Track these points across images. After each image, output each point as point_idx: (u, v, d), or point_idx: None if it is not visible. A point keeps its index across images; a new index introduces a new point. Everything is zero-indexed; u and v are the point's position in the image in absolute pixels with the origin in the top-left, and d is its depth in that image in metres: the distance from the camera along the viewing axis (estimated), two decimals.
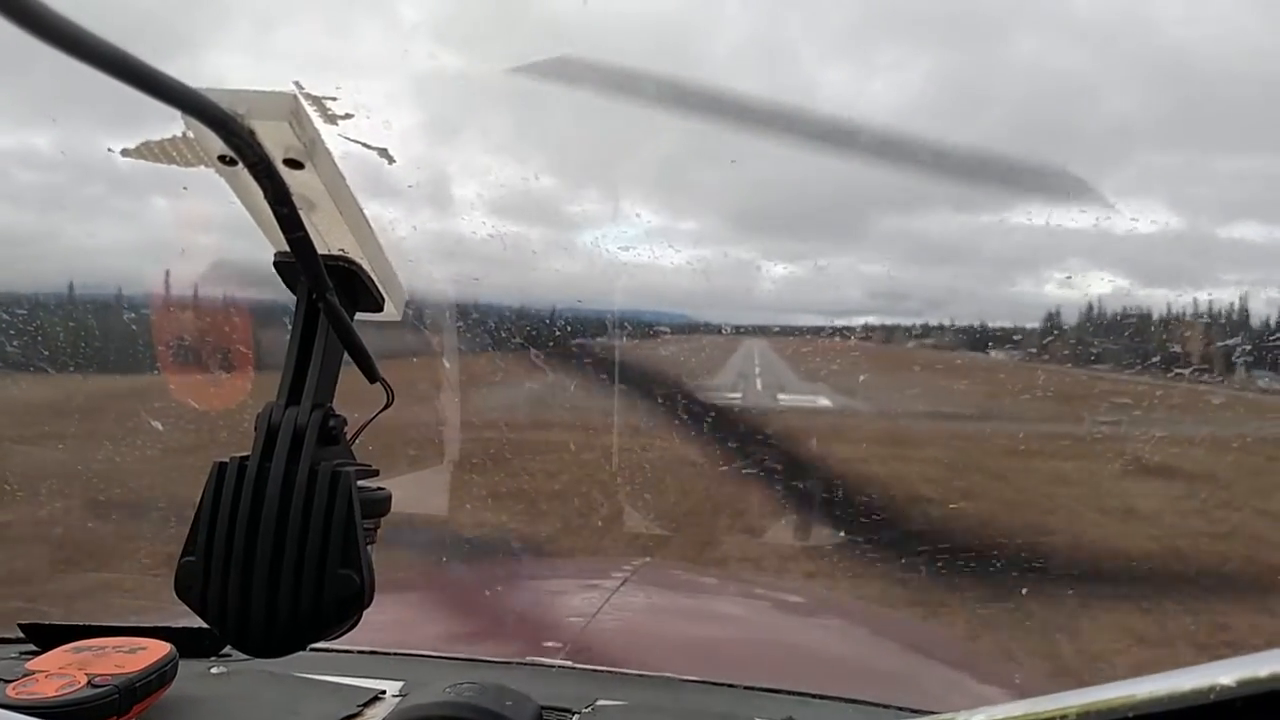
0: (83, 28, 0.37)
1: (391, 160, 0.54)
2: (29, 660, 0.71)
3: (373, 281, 0.57)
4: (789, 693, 0.92)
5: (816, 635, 1.47)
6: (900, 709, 0.89)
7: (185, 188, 0.77)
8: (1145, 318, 3.43)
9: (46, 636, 0.86)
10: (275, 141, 0.49)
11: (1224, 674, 0.34)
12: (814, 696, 0.91)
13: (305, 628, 0.53)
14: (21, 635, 0.90)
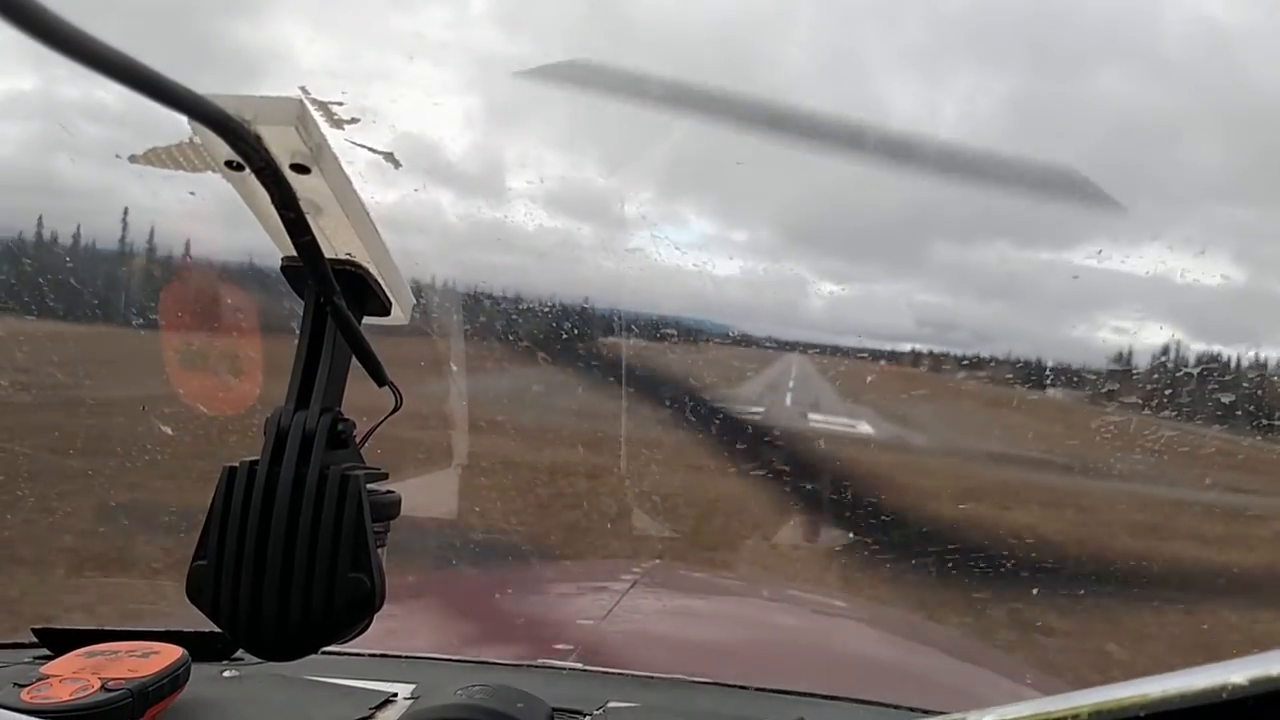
0: (91, 35, 0.37)
1: (398, 164, 0.55)
2: (43, 665, 0.72)
3: (380, 285, 0.57)
4: (799, 694, 0.91)
5: (826, 636, 1.47)
6: (911, 709, 0.89)
7: (192, 193, 0.77)
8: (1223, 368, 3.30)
9: (60, 641, 0.87)
10: (282, 146, 0.49)
11: (1236, 673, 0.33)
12: (824, 698, 0.91)
13: (317, 631, 0.53)
14: (35, 640, 0.90)
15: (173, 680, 0.73)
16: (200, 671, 0.78)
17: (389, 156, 0.54)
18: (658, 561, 2.06)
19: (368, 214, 0.55)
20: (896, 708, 0.90)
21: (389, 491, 0.56)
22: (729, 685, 0.93)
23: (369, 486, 0.54)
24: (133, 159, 0.52)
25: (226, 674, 0.86)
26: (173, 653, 0.74)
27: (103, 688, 0.67)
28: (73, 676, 0.69)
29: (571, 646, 1.07)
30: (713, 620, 1.46)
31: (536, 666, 0.97)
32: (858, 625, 1.65)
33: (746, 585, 2.08)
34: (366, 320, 0.58)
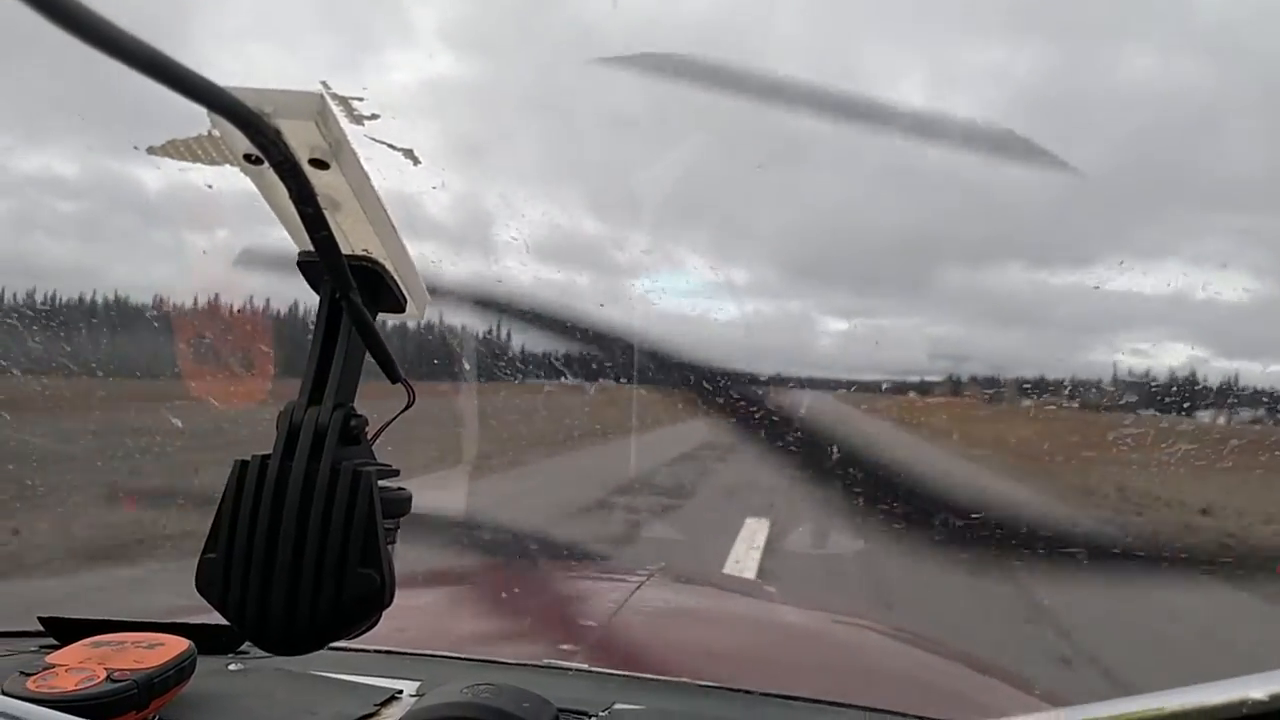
0: (114, 24, 0.37)
1: (417, 161, 0.54)
2: (48, 654, 0.72)
3: (396, 282, 0.57)
4: (805, 700, 0.91)
5: (834, 642, 1.46)
6: (919, 718, 0.88)
7: (210, 185, 0.77)
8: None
9: (66, 630, 0.87)
10: (301, 141, 0.49)
11: (1256, 688, 0.33)
12: (830, 704, 0.91)
13: (325, 626, 0.53)
14: (41, 629, 0.91)
15: (179, 672, 0.73)
16: (206, 664, 0.78)
17: (408, 153, 0.54)
18: (664, 564, 2.05)
19: (385, 211, 0.55)
20: (905, 715, 0.89)
21: (400, 488, 0.56)
22: (735, 690, 0.92)
23: (380, 483, 0.54)
24: (151, 150, 0.52)
25: (232, 667, 0.87)
26: (179, 644, 0.74)
27: (108, 678, 0.67)
28: (78, 666, 0.69)
29: (578, 647, 1.06)
30: (720, 624, 1.45)
31: (542, 666, 0.97)
32: (865, 632, 1.64)
33: (754, 588, 2.08)
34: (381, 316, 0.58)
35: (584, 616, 1.22)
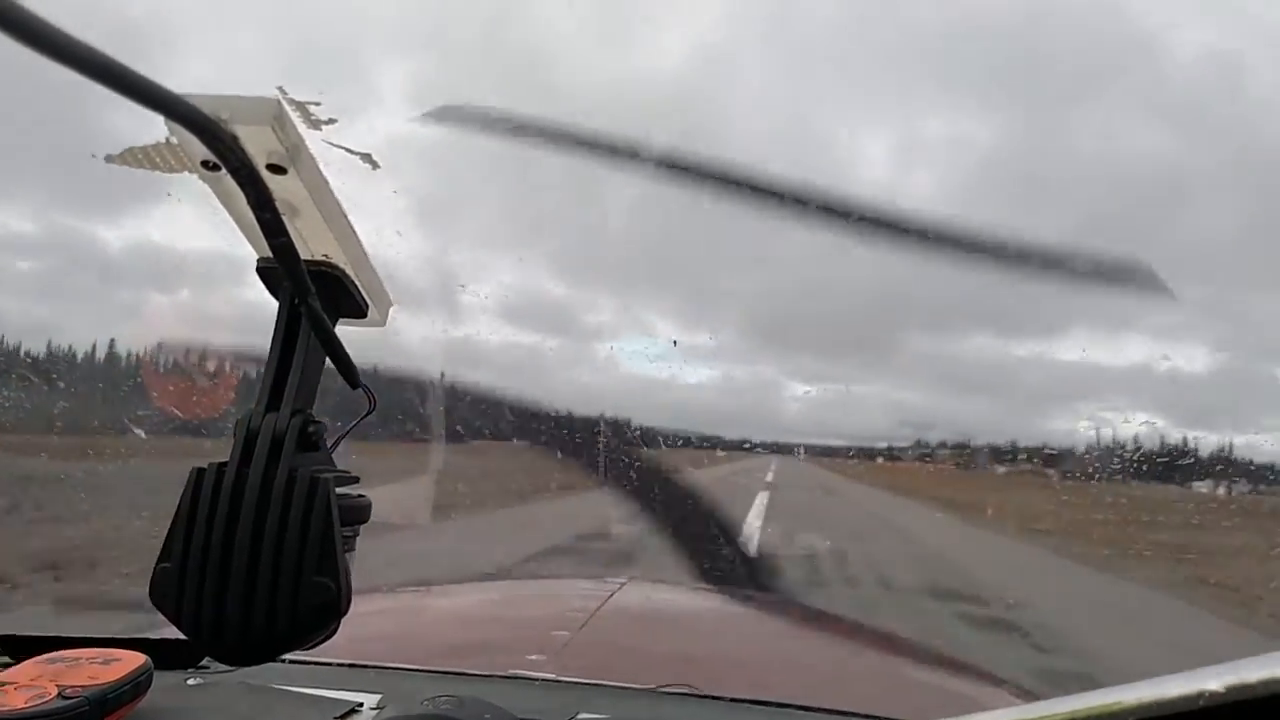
0: (67, 32, 0.37)
1: (376, 165, 0.54)
2: (1, 672, 0.70)
3: (356, 287, 0.57)
4: (775, 704, 0.91)
5: (802, 646, 1.47)
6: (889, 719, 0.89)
7: (169, 194, 0.77)
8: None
9: (20, 647, 0.85)
10: (258, 146, 0.49)
11: (1213, 680, 0.33)
12: (798, 708, 0.91)
13: (281, 635, 0.52)
14: None
15: (134, 687, 0.71)
16: (164, 680, 0.77)
17: (366, 157, 0.54)
18: (635, 577, 2.04)
19: (345, 215, 0.54)
20: (874, 718, 0.90)
21: (359, 495, 0.56)
22: (702, 695, 0.92)
23: (339, 490, 0.53)
24: (109, 159, 0.52)
25: (191, 682, 0.85)
26: (135, 660, 0.72)
27: (60, 695, 0.66)
28: (29, 684, 0.67)
29: (544, 657, 1.06)
30: (689, 631, 1.45)
31: (506, 677, 0.96)
32: (834, 635, 1.65)
33: (724, 596, 2.08)
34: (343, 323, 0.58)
35: (551, 626, 1.21)
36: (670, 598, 1.76)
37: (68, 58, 0.37)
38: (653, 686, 0.93)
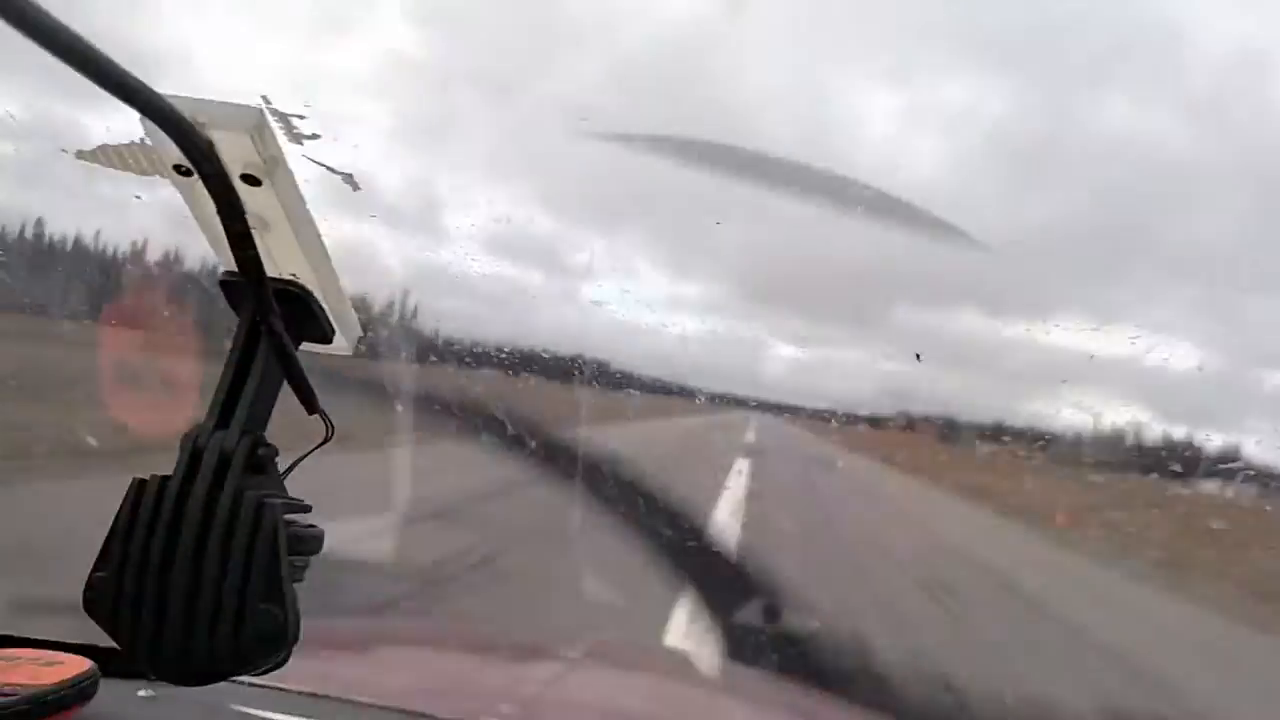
0: (56, 19, 0.37)
1: (356, 187, 0.53)
2: None
3: (323, 310, 0.55)
4: None
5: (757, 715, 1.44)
6: None
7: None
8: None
9: None
10: (234, 155, 0.48)
11: None
12: None
13: (223, 659, 0.50)
14: None
15: (78, 692, 0.69)
16: (114, 689, 0.74)
17: (347, 178, 0.52)
18: (608, 638, 2.02)
19: (318, 235, 0.53)
20: None
21: (311, 525, 0.54)
22: None
23: (289, 518, 0.51)
24: (80, 155, 0.50)
25: (141, 693, 0.83)
26: (79, 664, 0.71)
27: None
28: None
29: (512, 709, 1.03)
30: (656, 698, 1.41)
31: None
32: (791, 710, 1.60)
33: (699, 666, 2.04)
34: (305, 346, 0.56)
35: (520, 680, 1.18)
36: (640, 663, 1.72)
37: (51, 43, 0.37)
38: None
